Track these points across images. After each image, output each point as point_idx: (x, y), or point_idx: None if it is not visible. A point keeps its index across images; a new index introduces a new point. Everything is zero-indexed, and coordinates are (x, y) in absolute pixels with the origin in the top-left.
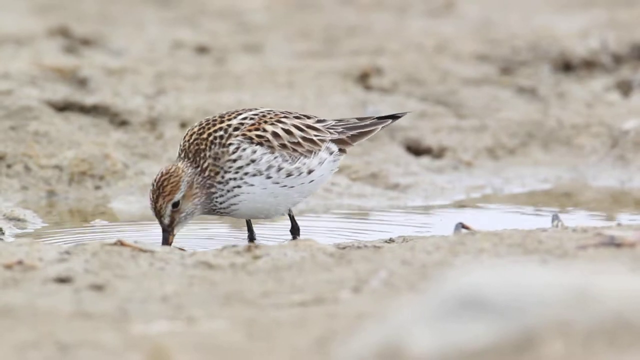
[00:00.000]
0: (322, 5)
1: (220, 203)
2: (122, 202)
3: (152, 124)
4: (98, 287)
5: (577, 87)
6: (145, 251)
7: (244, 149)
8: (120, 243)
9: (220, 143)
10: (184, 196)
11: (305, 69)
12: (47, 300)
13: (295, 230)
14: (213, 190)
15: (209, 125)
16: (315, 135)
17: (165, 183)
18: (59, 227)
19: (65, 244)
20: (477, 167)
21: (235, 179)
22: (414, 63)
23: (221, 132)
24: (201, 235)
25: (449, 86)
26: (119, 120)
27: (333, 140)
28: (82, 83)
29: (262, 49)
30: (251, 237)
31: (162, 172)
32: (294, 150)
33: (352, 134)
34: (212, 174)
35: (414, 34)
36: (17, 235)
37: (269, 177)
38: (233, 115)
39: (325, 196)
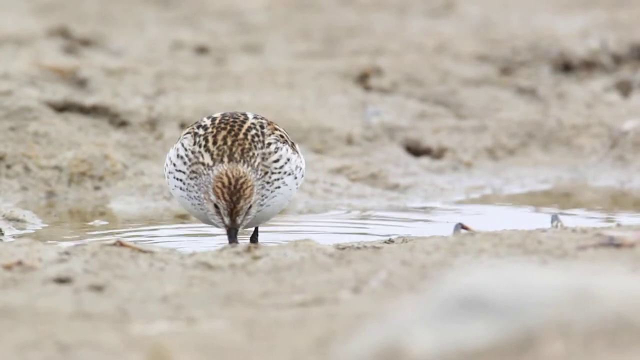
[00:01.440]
0: (322, 5)
1: (260, 205)
2: (121, 202)
3: (152, 124)
4: (98, 288)
5: (577, 87)
6: (144, 252)
7: (280, 148)
8: (120, 243)
9: (261, 141)
10: (254, 200)
11: (305, 69)
12: (47, 301)
13: (256, 238)
14: (263, 192)
15: (233, 125)
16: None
17: (244, 186)
18: (59, 227)
19: (64, 244)
20: (477, 167)
21: (278, 179)
22: (414, 63)
23: (255, 131)
24: (201, 236)
25: (449, 86)
26: (118, 121)
27: None
28: (81, 83)
29: (262, 49)
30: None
31: (234, 175)
32: (294, 150)
33: None
34: (262, 173)
35: (414, 34)
36: (16, 236)
37: (295, 177)
38: (241, 115)
39: (324, 196)
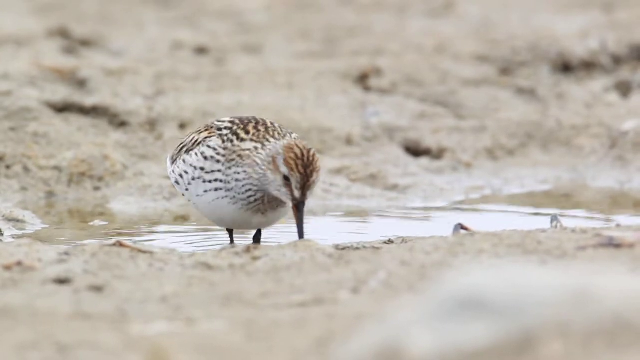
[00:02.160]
0: (322, 5)
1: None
2: (121, 202)
3: (152, 124)
4: (97, 288)
5: (577, 87)
6: (144, 252)
7: None
8: (119, 244)
9: (284, 136)
10: None
11: (305, 69)
12: (46, 301)
13: (259, 239)
14: None
15: (249, 124)
16: None
17: (315, 157)
18: (58, 228)
19: (64, 244)
20: (477, 167)
21: None
22: (414, 63)
23: (272, 126)
24: (200, 236)
25: (449, 87)
26: (118, 121)
27: None
28: (81, 84)
29: (262, 49)
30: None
31: (304, 146)
32: None
33: None
34: None
35: (413, 34)
36: (16, 236)
37: None
38: (252, 118)
39: (324, 197)
